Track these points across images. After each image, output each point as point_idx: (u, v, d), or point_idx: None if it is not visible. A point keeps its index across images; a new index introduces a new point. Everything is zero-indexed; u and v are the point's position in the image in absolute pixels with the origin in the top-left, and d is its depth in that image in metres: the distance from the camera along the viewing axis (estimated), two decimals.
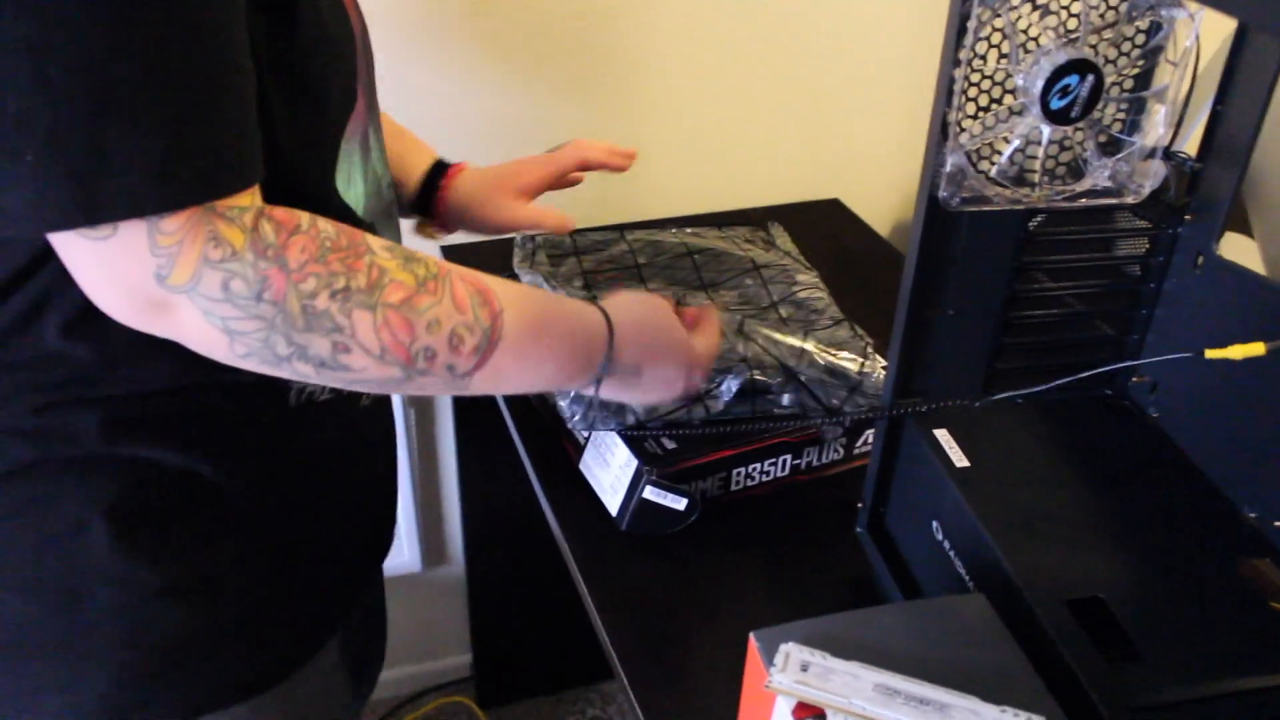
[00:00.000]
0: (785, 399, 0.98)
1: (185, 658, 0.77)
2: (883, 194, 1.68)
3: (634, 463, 0.93)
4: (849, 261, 1.43)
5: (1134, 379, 0.87)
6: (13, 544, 0.72)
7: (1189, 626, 0.68)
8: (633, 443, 0.94)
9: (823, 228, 1.53)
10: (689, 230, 1.25)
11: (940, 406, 0.83)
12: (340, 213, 0.77)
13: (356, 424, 0.86)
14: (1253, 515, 0.76)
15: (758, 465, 0.98)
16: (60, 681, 0.75)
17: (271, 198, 0.66)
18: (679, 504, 0.93)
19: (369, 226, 0.81)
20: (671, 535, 0.95)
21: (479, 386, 0.75)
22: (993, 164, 0.73)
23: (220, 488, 0.76)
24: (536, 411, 1.11)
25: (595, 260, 1.15)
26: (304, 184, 0.74)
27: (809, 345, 1.01)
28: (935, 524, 0.79)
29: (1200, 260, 0.80)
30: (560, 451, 1.06)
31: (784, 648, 0.61)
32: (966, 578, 0.76)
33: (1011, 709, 0.59)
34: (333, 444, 0.84)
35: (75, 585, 0.73)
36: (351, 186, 0.79)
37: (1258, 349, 0.68)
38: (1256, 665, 0.65)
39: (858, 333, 1.07)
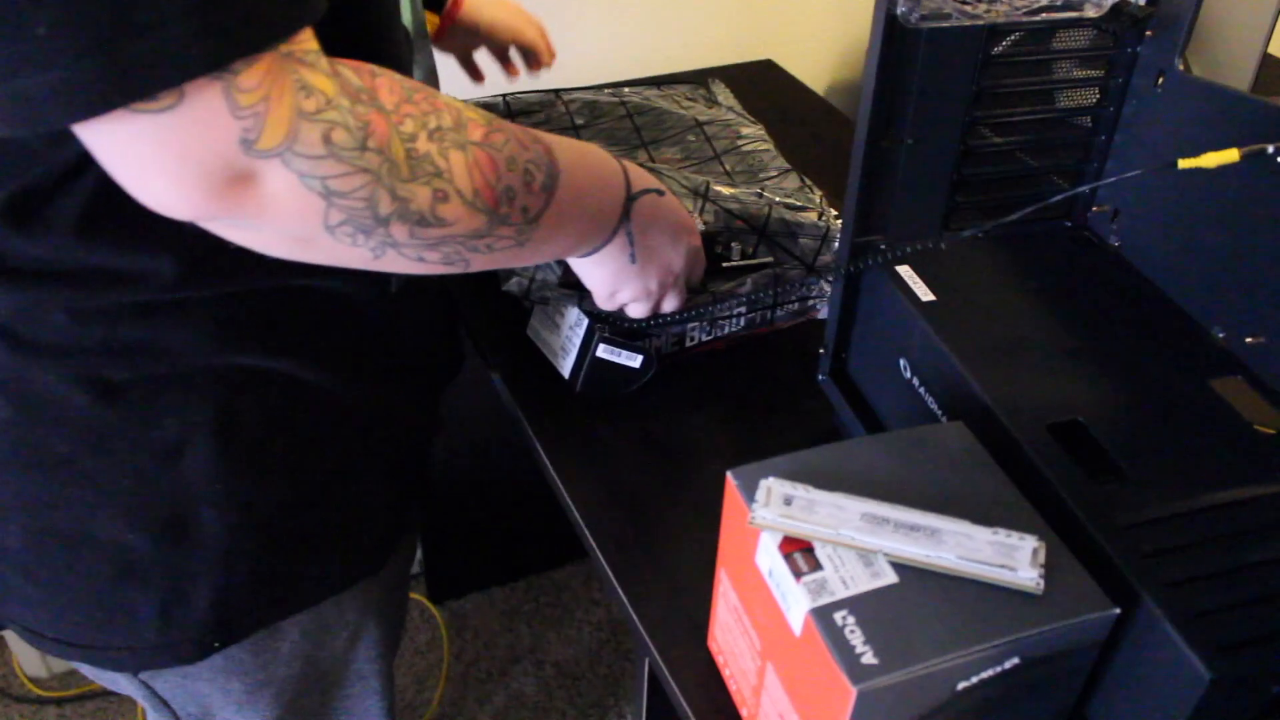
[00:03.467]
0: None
1: (282, 567, 0.76)
2: (817, 53, 1.64)
3: (584, 321, 0.89)
4: (789, 119, 1.39)
5: (1094, 209, 0.85)
6: (112, 470, 0.68)
7: (1168, 445, 0.67)
8: (581, 302, 0.90)
9: (760, 86, 1.48)
10: (627, 90, 1.20)
11: (905, 249, 0.80)
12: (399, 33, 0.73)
13: (423, 309, 0.84)
14: (1221, 335, 0.75)
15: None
16: (160, 604, 0.72)
17: (344, 20, 0.58)
18: (634, 361, 0.89)
19: (415, 46, 0.77)
20: (628, 396, 0.92)
21: (540, 238, 0.70)
22: None
23: (319, 389, 0.73)
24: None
25: (532, 123, 1.10)
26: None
27: (770, 196, 0.97)
28: (903, 361, 0.77)
29: (1161, 80, 0.77)
30: (504, 320, 1.02)
31: (765, 482, 0.59)
32: (940, 413, 0.74)
33: (1004, 530, 0.57)
34: (410, 333, 0.81)
35: (179, 510, 0.69)
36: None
37: (1231, 155, 0.66)
38: (1236, 478, 0.64)
39: (806, 183, 1.04)
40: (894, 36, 0.71)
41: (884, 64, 0.72)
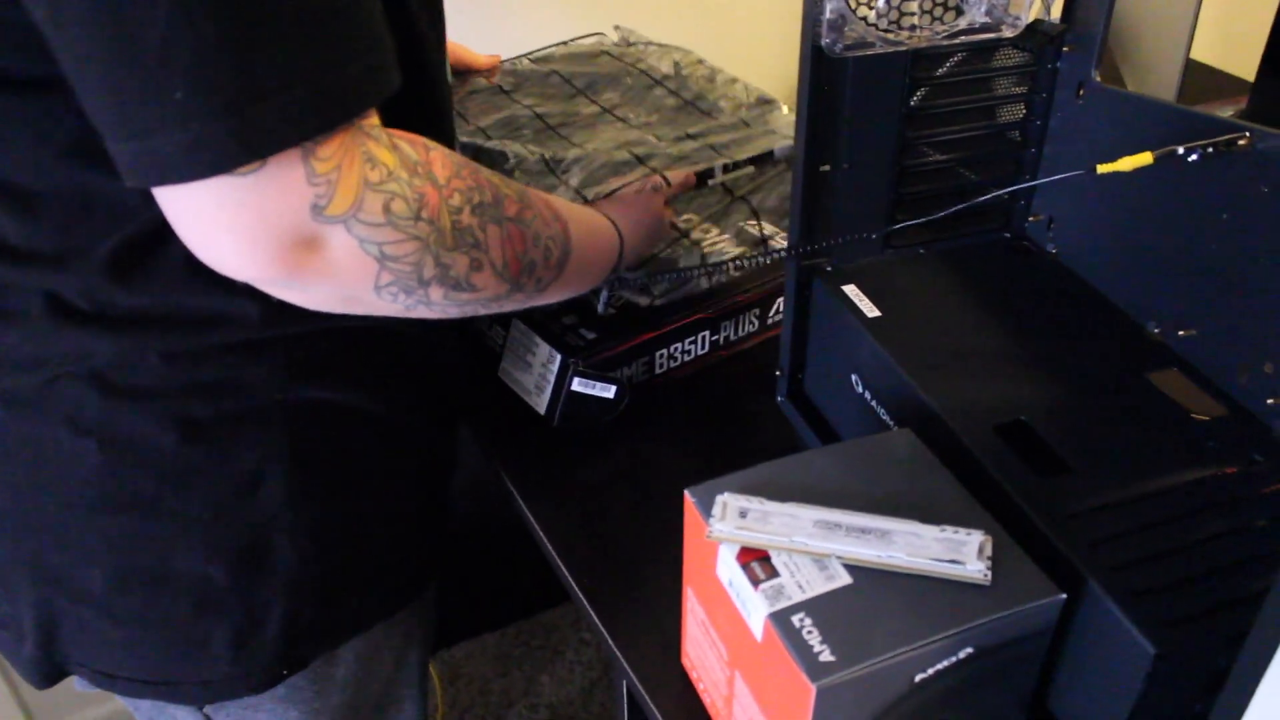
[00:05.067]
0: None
1: (344, 593, 0.79)
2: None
3: (557, 357, 0.92)
4: None
5: (1030, 218, 0.89)
6: (193, 505, 0.71)
7: (1110, 437, 0.70)
8: (551, 338, 0.93)
9: None
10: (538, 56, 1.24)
11: (846, 264, 0.83)
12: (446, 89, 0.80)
13: (452, 343, 0.90)
14: (1156, 330, 0.78)
15: (679, 345, 0.98)
16: (235, 634, 0.74)
17: (410, 83, 0.62)
18: (608, 392, 0.92)
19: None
20: (599, 429, 0.95)
21: (542, 299, 0.77)
22: (871, 8, 0.73)
23: (375, 418, 0.77)
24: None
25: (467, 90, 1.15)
26: (434, 62, 0.75)
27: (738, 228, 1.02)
28: (854, 377, 0.80)
29: (1081, 91, 0.81)
30: (478, 367, 1.04)
31: (721, 498, 0.61)
32: (891, 423, 0.76)
33: (950, 527, 0.60)
34: (445, 364, 0.87)
35: (255, 539, 0.73)
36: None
37: (1145, 159, 0.69)
38: (1175, 464, 0.67)
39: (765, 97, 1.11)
40: (821, 66, 0.74)
41: (814, 93, 0.75)
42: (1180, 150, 0.69)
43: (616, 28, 1.33)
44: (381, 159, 0.58)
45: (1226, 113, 1.59)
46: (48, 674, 0.77)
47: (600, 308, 0.94)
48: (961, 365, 0.75)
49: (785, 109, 1.10)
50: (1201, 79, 1.64)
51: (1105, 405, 0.72)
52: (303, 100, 0.53)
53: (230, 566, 0.73)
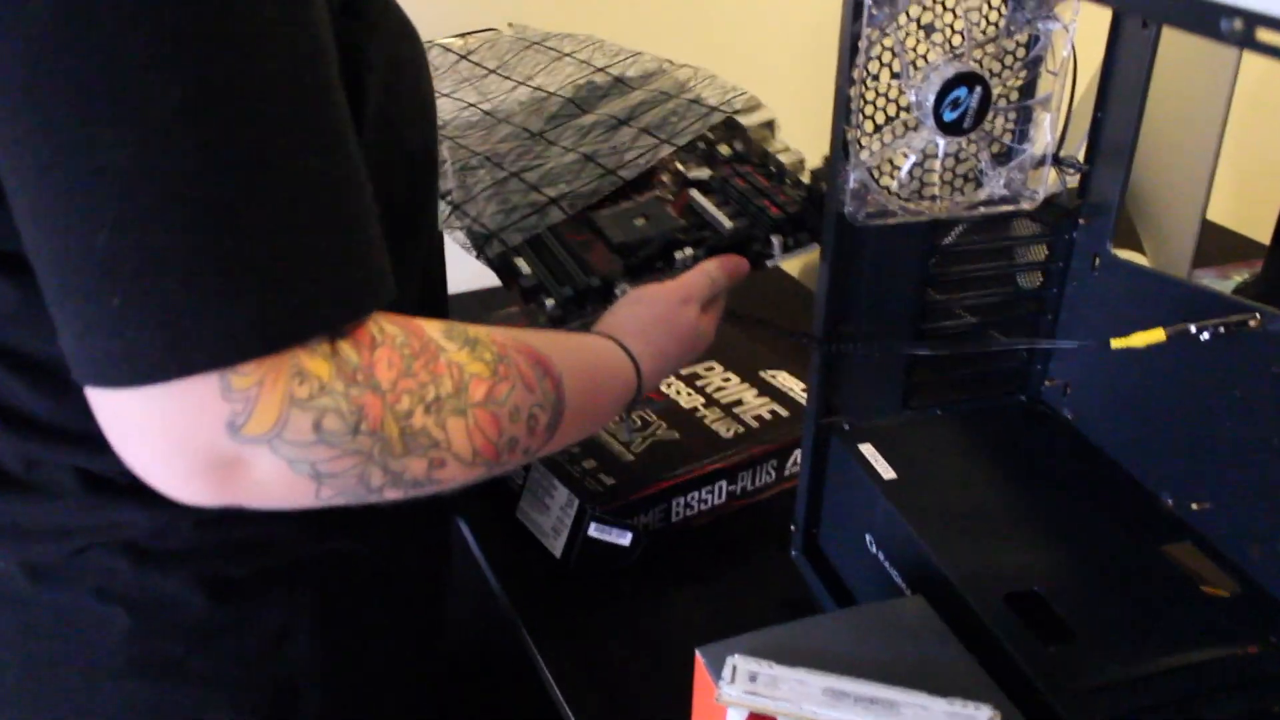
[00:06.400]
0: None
1: None
2: None
3: (575, 502, 0.93)
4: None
5: (1047, 382, 0.90)
6: (221, 663, 0.69)
7: (1123, 611, 0.70)
8: (571, 482, 0.94)
9: None
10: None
11: (864, 422, 0.85)
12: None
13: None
14: (1170, 501, 0.78)
15: (696, 494, 0.99)
16: None
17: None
18: (624, 539, 0.93)
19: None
20: (612, 574, 0.95)
21: (542, 456, 0.72)
22: (894, 178, 0.76)
23: (389, 565, 0.77)
24: None
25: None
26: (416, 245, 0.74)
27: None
28: (868, 537, 0.81)
29: (1097, 261, 0.83)
30: (492, 502, 1.05)
31: (731, 660, 0.61)
32: (904, 586, 0.77)
33: (960, 700, 0.59)
34: (446, 506, 0.86)
35: (283, 693, 0.71)
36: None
37: (1158, 335, 0.70)
38: (1189, 642, 0.67)
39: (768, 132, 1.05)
40: (844, 234, 0.76)
41: (836, 258, 0.78)
42: (1193, 329, 0.70)
43: (510, 25, 1.32)
44: (313, 371, 0.53)
45: (1241, 276, 1.62)
46: None
47: (626, 433, 0.94)
48: (976, 531, 0.76)
49: (719, 75, 1.03)
50: (1217, 240, 1.67)
51: (1118, 577, 0.73)
52: (244, 321, 0.50)
53: None
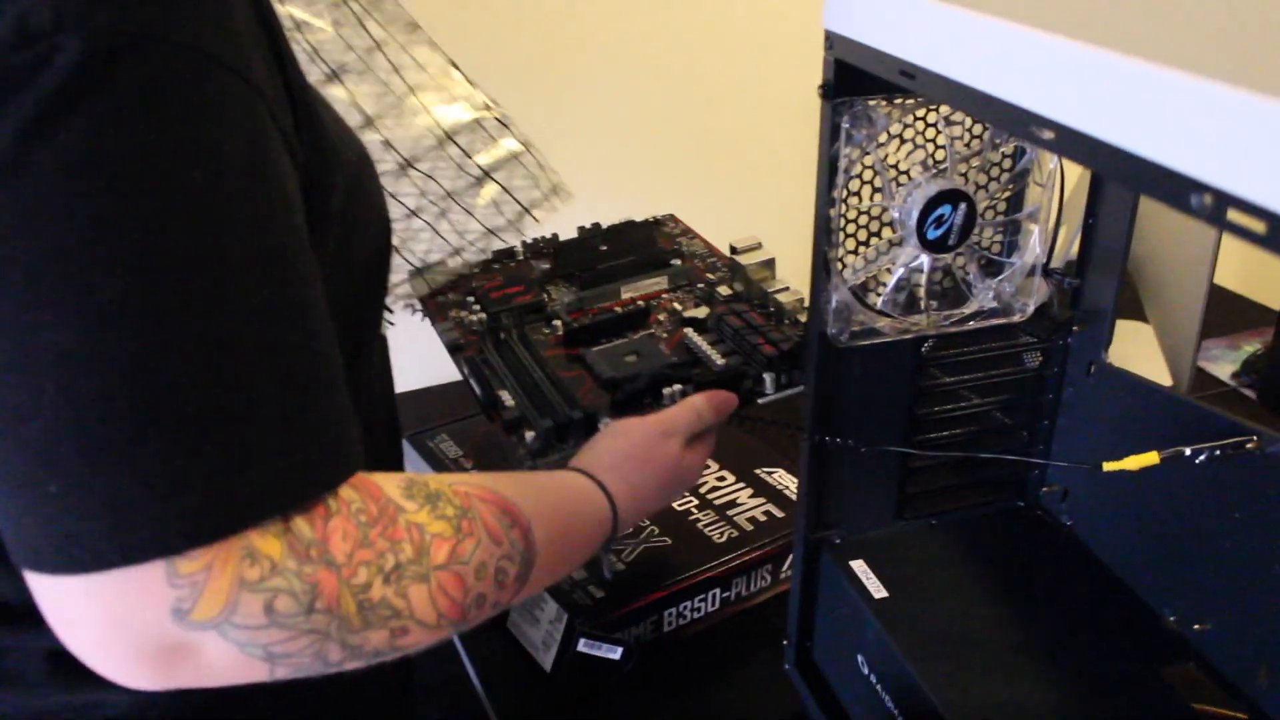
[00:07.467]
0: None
1: None
2: None
3: (564, 616, 0.91)
4: None
5: (1045, 489, 0.88)
6: None
7: None
8: (559, 595, 0.92)
9: None
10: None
11: (856, 534, 0.83)
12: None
13: None
14: (1172, 619, 0.76)
15: (688, 603, 0.97)
16: None
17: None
18: (614, 654, 0.91)
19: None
20: (604, 686, 0.93)
21: (506, 607, 0.69)
22: (879, 295, 0.74)
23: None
24: None
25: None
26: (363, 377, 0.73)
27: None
28: (860, 658, 0.78)
29: (1093, 368, 0.81)
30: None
31: None
32: (895, 712, 0.74)
33: None
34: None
35: None
36: None
37: (1152, 459, 0.68)
38: None
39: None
40: (828, 354, 0.75)
41: (821, 378, 0.76)
42: (1188, 452, 0.68)
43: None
44: (264, 551, 0.50)
45: (1253, 347, 1.59)
46: None
47: (606, 572, 0.93)
48: (969, 653, 0.74)
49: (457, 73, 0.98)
50: (1226, 306, 1.64)
51: (1116, 704, 0.70)
52: (191, 508, 0.48)
53: None
